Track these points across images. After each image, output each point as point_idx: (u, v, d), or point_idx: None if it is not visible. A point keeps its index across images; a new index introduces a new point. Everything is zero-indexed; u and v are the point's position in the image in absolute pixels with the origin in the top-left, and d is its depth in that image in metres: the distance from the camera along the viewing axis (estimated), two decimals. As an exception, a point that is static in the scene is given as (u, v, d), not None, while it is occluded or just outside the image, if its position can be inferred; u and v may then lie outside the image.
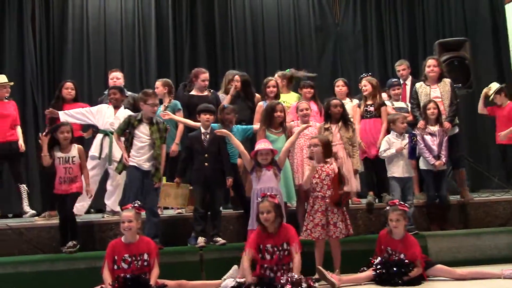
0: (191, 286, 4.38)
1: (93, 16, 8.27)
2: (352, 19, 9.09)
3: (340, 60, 8.95)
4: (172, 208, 6.06)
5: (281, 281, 4.00)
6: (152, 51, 8.33)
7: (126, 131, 5.00)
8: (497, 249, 5.10)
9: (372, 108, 5.87)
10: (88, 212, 6.07)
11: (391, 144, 5.36)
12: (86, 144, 5.76)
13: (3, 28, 7.84)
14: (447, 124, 5.61)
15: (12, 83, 6.32)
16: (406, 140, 5.35)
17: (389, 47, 8.99)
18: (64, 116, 5.57)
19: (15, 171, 6.12)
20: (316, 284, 4.15)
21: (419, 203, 5.71)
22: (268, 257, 4.25)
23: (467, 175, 6.42)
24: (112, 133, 5.37)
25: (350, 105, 6.05)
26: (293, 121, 5.51)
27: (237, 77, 5.97)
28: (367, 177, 5.95)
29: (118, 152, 5.34)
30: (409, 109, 6.12)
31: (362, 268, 4.53)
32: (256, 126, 5.41)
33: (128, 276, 4.10)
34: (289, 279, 3.98)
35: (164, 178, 5.27)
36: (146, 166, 4.91)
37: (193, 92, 6.17)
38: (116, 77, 6.34)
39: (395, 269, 4.27)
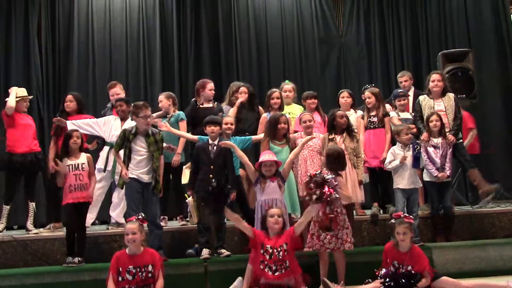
0: (196, 298, 4.40)
1: (98, 29, 8.31)
2: (356, 30, 9.11)
3: (343, 71, 8.97)
4: (176, 220, 6.07)
5: None
6: (157, 63, 8.35)
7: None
8: (503, 261, 5.08)
9: (375, 119, 5.89)
10: (93, 223, 6.07)
11: (396, 156, 5.36)
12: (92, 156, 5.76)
13: (10, 41, 7.89)
14: (451, 137, 5.60)
15: (31, 96, 6.31)
16: (411, 151, 5.34)
17: (393, 58, 8.98)
18: (71, 125, 5.58)
19: (30, 187, 5.96)
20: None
21: (424, 214, 5.70)
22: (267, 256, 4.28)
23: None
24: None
25: (354, 116, 6.07)
26: (296, 132, 5.53)
27: (244, 88, 5.99)
28: (372, 188, 5.95)
29: (121, 165, 5.35)
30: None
31: (367, 280, 4.50)
32: (255, 136, 5.44)
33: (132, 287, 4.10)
34: None
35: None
36: (146, 178, 4.91)
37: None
38: (116, 93, 6.27)
39: (404, 280, 4.22)
